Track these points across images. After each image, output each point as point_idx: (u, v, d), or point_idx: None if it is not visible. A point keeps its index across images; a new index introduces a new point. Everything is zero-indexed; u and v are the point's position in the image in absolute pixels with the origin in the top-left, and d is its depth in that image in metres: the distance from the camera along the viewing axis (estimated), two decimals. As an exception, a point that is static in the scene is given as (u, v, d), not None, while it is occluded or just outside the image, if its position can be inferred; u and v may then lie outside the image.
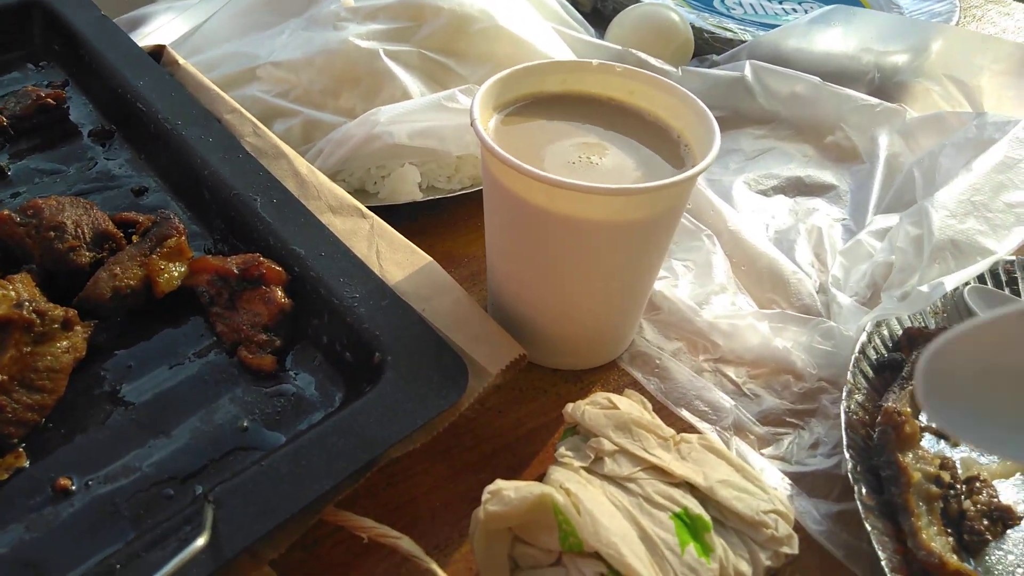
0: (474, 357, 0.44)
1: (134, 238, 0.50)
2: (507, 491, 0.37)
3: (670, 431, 0.42)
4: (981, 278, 0.56)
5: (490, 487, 0.37)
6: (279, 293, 0.46)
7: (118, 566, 0.34)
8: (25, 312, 0.41)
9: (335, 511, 0.39)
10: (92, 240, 0.48)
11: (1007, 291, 0.56)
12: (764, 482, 0.41)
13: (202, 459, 0.41)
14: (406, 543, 0.37)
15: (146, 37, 0.71)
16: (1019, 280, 0.57)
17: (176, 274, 0.48)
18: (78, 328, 0.44)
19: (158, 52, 0.64)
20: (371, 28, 0.61)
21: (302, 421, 0.43)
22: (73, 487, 0.39)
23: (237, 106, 0.58)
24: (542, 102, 0.49)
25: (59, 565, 0.36)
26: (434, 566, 0.36)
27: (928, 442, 0.48)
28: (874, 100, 0.72)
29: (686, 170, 0.41)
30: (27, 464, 0.40)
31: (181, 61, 0.62)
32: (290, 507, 0.36)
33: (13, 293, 0.43)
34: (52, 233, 0.47)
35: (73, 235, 0.48)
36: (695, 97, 0.46)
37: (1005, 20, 1.06)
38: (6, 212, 0.48)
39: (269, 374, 0.45)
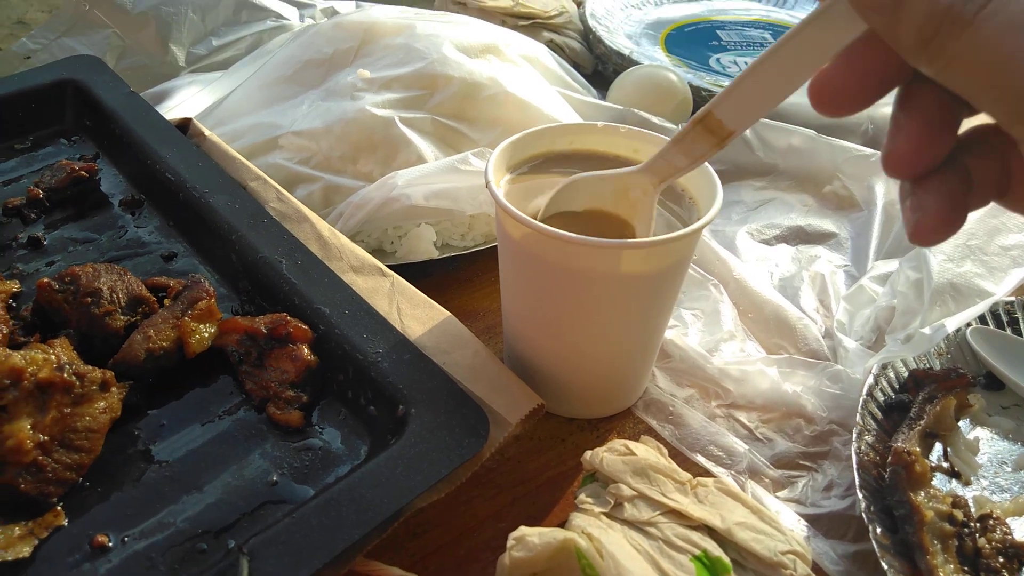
0: (494, 408, 0.46)
1: (166, 301, 0.52)
2: (531, 537, 0.38)
3: (686, 475, 0.43)
4: (983, 319, 0.58)
5: (514, 534, 0.38)
6: (305, 351, 0.48)
7: (158, 618, 0.35)
8: (66, 375, 0.43)
9: (364, 561, 0.40)
10: (126, 304, 0.51)
11: (1008, 331, 0.58)
12: (781, 524, 0.42)
13: (234, 513, 0.42)
14: (435, 590, 0.38)
15: (172, 110, 0.75)
16: (1020, 320, 0.58)
17: (207, 335, 0.50)
18: (114, 389, 0.46)
19: (185, 124, 0.67)
20: (386, 97, 0.64)
21: (329, 474, 0.44)
22: (110, 543, 0.40)
23: (261, 174, 0.61)
24: (552, 160, 0.52)
25: (99, 620, 0.37)
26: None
27: (939, 481, 0.49)
28: (869, 150, 0.75)
29: (692, 223, 0.44)
30: (65, 522, 0.41)
31: (207, 132, 0.65)
32: (322, 557, 0.37)
33: (54, 357, 0.45)
34: (89, 299, 0.50)
35: (108, 300, 0.50)
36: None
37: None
38: (45, 280, 0.50)
39: (297, 429, 0.47)
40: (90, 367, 0.45)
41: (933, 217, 0.26)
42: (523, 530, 0.38)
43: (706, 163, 0.48)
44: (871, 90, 0.27)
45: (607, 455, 0.44)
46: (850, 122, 0.81)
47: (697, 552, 0.39)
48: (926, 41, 0.23)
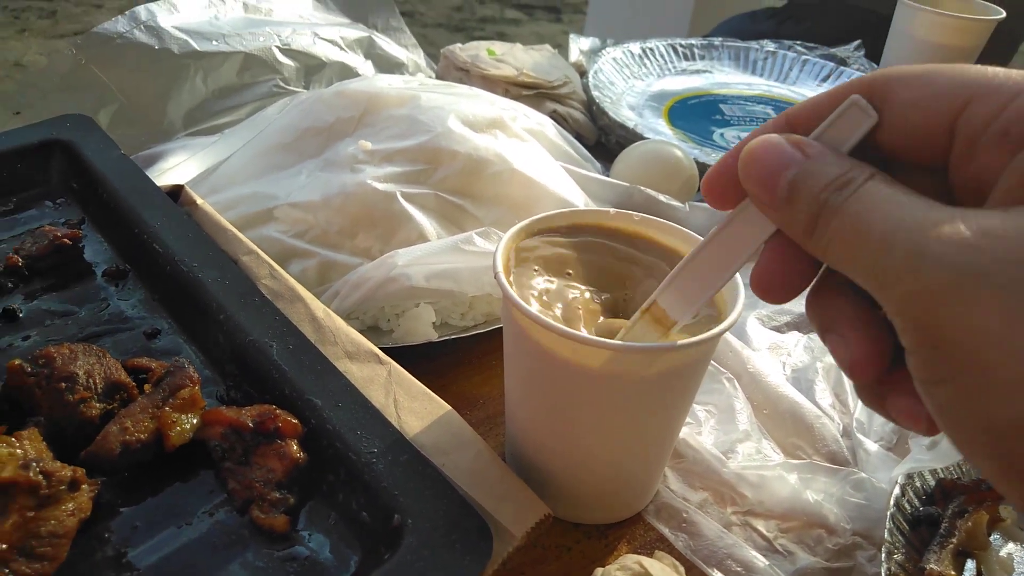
0: (497, 518, 0.42)
1: (146, 387, 0.49)
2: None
3: (706, 601, 0.40)
4: (1007, 422, 0.55)
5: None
6: (294, 447, 0.45)
7: None
8: (32, 474, 0.39)
9: None
10: (103, 391, 0.47)
11: (1035, 435, 0.55)
12: (809, 659, 0.38)
13: (210, 635, 0.38)
14: None
15: (165, 173, 0.73)
16: (1045, 424, 0.56)
17: (188, 427, 0.46)
18: (84, 487, 0.42)
19: (176, 191, 0.65)
20: (388, 171, 0.62)
21: (316, 590, 0.41)
22: (69, 669, 0.36)
23: (254, 247, 0.58)
24: (565, 232, 0.49)
25: None
26: None
27: (973, 604, 0.46)
28: (880, 236, 0.73)
29: (712, 327, 0.41)
30: (21, 642, 0.37)
31: (199, 201, 0.63)
32: None
33: (20, 451, 0.41)
34: (63, 384, 0.46)
35: (84, 386, 0.47)
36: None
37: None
38: (17, 362, 0.47)
39: (281, 535, 0.43)
40: (60, 464, 0.41)
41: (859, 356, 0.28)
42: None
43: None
44: (796, 277, 0.31)
45: (619, 574, 0.40)
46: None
47: None
48: (811, 229, 0.27)
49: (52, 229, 0.61)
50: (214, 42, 0.87)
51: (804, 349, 0.65)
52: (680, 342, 0.40)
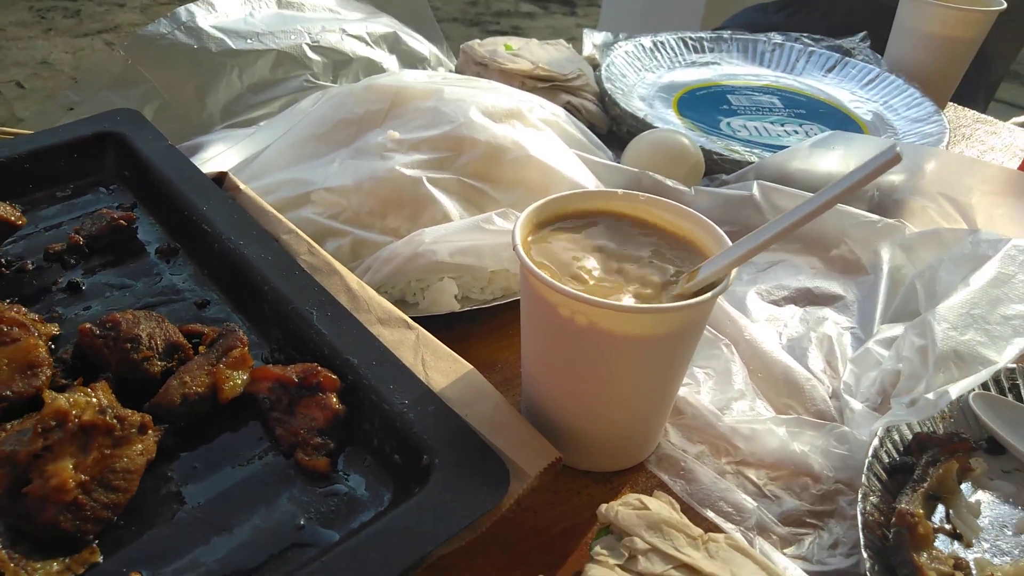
0: (514, 460, 0.47)
1: (200, 348, 0.55)
2: (550, 587, 0.40)
3: (698, 531, 0.45)
4: (985, 385, 0.60)
5: (533, 583, 0.40)
6: (334, 399, 0.51)
7: (193, 656, 0.37)
8: (108, 418, 0.46)
9: (388, 606, 0.41)
10: (164, 351, 0.53)
11: (1010, 397, 0.60)
12: (788, 580, 0.43)
13: (262, 555, 0.44)
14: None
15: (206, 163, 0.79)
16: (1021, 387, 0.60)
17: (240, 382, 0.52)
18: (150, 432, 0.48)
19: (220, 178, 0.71)
20: (415, 158, 0.68)
21: (354, 519, 0.46)
22: (144, 581, 0.42)
23: (293, 227, 0.64)
24: (572, 218, 0.54)
25: (132, 656, 0.39)
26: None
27: (942, 543, 0.51)
28: (875, 216, 0.78)
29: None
30: (101, 559, 0.43)
31: (242, 186, 0.69)
32: (350, 601, 0.39)
33: (95, 400, 0.47)
34: (128, 345, 0.52)
35: (147, 346, 0.53)
36: (714, 224, 0.51)
37: (992, 139, 1.13)
38: (87, 325, 0.53)
39: (323, 475, 0.48)
40: (129, 411, 0.47)
41: None
42: (542, 580, 0.40)
43: (723, 234, 0.51)
44: None
45: (622, 509, 0.45)
46: (856, 189, 0.84)
47: (708, 606, 0.41)
48: None
49: (109, 212, 0.67)
50: (248, 40, 0.94)
51: (800, 321, 0.70)
52: (678, 304, 0.45)
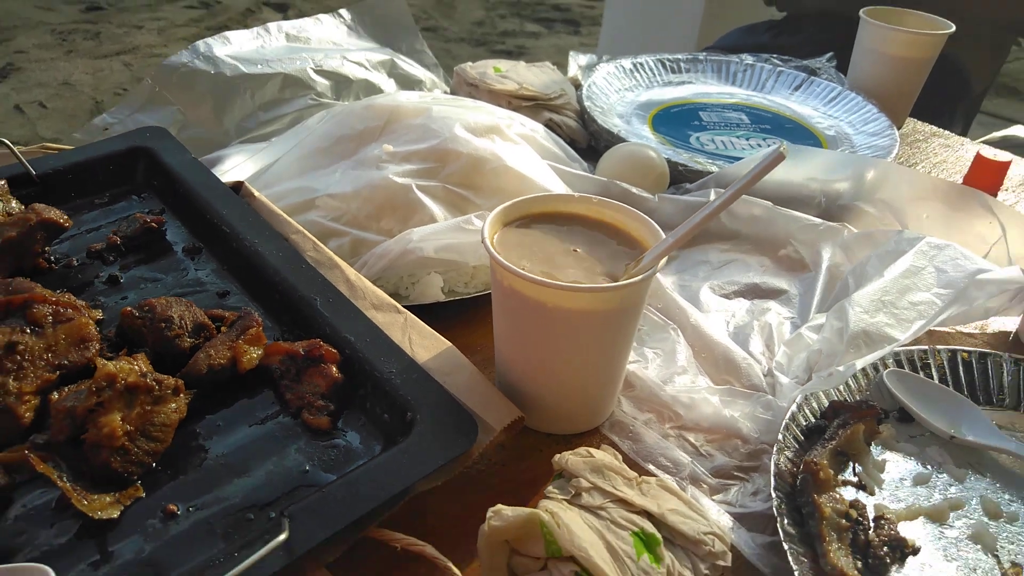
0: (483, 418, 0.57)
1: (222, 329, 0.64)
2: (505, 511, 0.49)
3: (633, 473, 0.54)
4: (899, 363, 0.69)
5: (492, 508, 0.49)
6: (334, 369, 0.60)
7: (220, 559, 0.46)
8: (148, 380, 0.55)
9: (376, 529, 0.51)
10: (192, 330, 0.63)
11: (921, 374, 0.69)
12: (707, 513, 0.53)
13: (275, 493, 0.53)
14: (430, 549, 0.49)
15: (224, 174, 0.89)
16: (931, 365, 0.70)
17: (255, 355, 0.62)
18: (183, 395, 0.58)
19: (238, 186, 0.81)
20: (406, 168, 0.78)
21: (351, 466, 0.56)
22: (179, 512, 0.52)
23: (300, 228, 0.74)
24: (537, 220, 0.64)
25: (170, 565, 0.48)
26: (452, 567, 0.48)
27: (849, 493, 0.60)
28: (818, 220, 0.87)
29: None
30: (144, 495, 0.53)
31: (256, 193, 0.79)
32: (344, 520, 0.48)
33: (137, 367, 0.57)
34: (163, 324, 0.62)
35: (178, 326, 0.62)
36: (652, 221, 0.61)
37: (945, 151, 1.22)
38: (128, 309, 0.63)
39: (325, 431, 0.58)
40: (166, 376, 0.57)
41: None
42: (499, 507, 0.49)
43: (658, 228, 0.60)
44: None
45: (572, 457, 0.55)
46: (804, 195, 0.94)
47: (636, 529, 0.50)
48: None
49: (142, 216, 0.78)
50: (259, 66, 1.05)
51: (747, 312, 0.80)
52: (619, 283, 0.55)
